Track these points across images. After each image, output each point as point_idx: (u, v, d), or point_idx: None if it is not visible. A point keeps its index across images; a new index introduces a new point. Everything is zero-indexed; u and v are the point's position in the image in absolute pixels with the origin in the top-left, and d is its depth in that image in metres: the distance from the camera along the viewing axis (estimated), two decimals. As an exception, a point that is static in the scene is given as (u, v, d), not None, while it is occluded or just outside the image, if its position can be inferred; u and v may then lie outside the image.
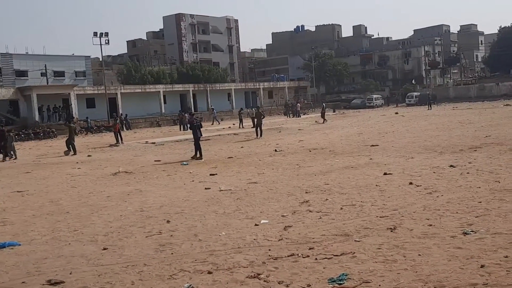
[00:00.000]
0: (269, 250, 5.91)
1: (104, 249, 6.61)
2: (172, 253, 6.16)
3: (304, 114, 57.29)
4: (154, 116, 53.86)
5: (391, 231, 6.22)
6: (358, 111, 59.32)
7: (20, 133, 37.98)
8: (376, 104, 66.37)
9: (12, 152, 22.62)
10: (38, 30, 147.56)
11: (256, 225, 7.30)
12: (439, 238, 5.84)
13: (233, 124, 41.61)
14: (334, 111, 60.82)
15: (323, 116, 40.44)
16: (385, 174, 10.96)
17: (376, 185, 9.68)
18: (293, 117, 52.33)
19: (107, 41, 48.05)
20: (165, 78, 62.95)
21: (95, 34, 47.26)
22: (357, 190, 9.35)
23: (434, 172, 10.74)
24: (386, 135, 22.49)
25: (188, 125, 18.87)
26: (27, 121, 42.51)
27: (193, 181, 12.50)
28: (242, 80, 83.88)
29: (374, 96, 68.65)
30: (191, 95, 59.83)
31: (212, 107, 54.20)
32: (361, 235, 6.17)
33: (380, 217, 7.04)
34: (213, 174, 13.40)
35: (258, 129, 26.72)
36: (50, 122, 43.48)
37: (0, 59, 57.94)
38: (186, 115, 40.17)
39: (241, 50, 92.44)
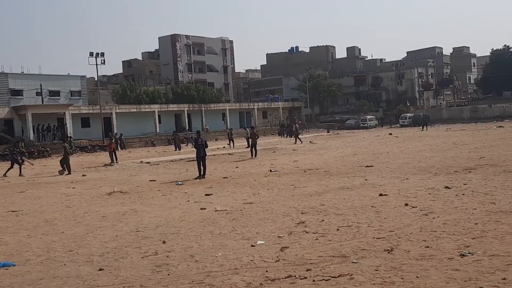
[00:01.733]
0: (266, 271, 5.89)
1: (100, 269, 6.56)
2: (168, 274, 6.13)
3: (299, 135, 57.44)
4: (149, 135, 53.89)
5: (388, 253, 6.23)
6: (352, 131, 59.59)
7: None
8: (370, 125, 66.78)
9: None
10: (33, 49, 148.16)
11: (252, 246, 7.28)
12: (436, 260, 5.85)
13: (227, 144, 41.63)
14: (328, 131, 61.06)
15: (296, 136, 40.28)
16: (380, 195, 10.99)
17: (372, 206, 9.70)
18: (287, 137, 52.35)
19: (103, 61, 48.37)
20: (160, 98, 63.19)
21: (91, 54, 47.60)
22: (353, 211, 9.36)
23: (429, 194, 10.78)
24: (380, 156, 22.57)
25: (194, 145, 18.89)
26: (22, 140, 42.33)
27: (188, 201, 12.47)
28: (237, 100, 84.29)
29: (368, 117, 69.12)
30: (186, 115, 60.04)
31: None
32: (358, 257, 6.17)
33: (377, 238, 7.04)
34: (208, 194, 13.39)
35: (253, 149, 26.77)
36: (45, 142, 43.37)
37: (-5, 78, 57.99)
38: (185, 133, 40.32)
39: (235, 71, 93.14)
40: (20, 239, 8.96)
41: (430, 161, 18.68)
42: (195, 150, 19.45)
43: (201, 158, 18.33)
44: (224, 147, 39.64)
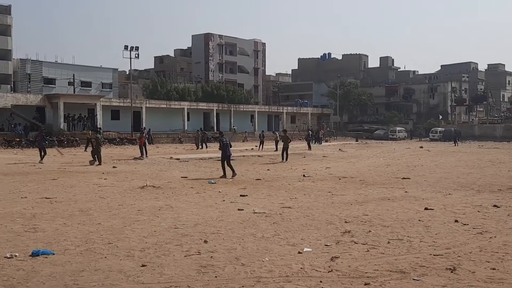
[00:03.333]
0: (321, 282, 5.54)
1: (143, 265, 6.31)
2: (216, 276, 5.84)
3: (326, 142, 56.93)
4: (177, 132, 54.00)
5: (451, 272, 5.81)
6: (381, 142, 58.74)
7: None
8: (399, 137, 65.86)
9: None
10: (68, 40, 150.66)
11: (299, 252, 6.94)
12: (507, 284, 5.42)
13: (255, 146, 41.37)
14: (356, 140, 60.39)
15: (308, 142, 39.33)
16: (426, 209, 10.52)
17: (419, 220, 9.26)
18: (314, 143, 51.73)
19: (136, 55, 48.71)
20: (190, 95, 63.36)
21: (125, 47, 47.97)
22: (399, 224, 8.94)
23: (478, 211, 10.27)
24: (415, 169, 21.98)
25: (219, 145, 18.93)
26: (52, 128, 42.88)
27: (224, 200, 12.20)
28: (265, 103, 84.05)
29: (398, 128, 68.17)
30: (215, 114, 60.00)
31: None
32: (418, 274, 5.78)
33: (434, 255, 6.63)
34: (243, 195, 13.09)
35: (284, 153, 26.43)
36: (75, 131, 43.79)
37: (30, 65, 59.01)
38: (201, 132, 40.18)
39: (266, 73, 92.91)
40: (56, 227, 8.80)
41: (469, 177, 18.05)
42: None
43: (226, 158, 18.15)
44: (252, 148, 39.39)
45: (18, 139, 36.90)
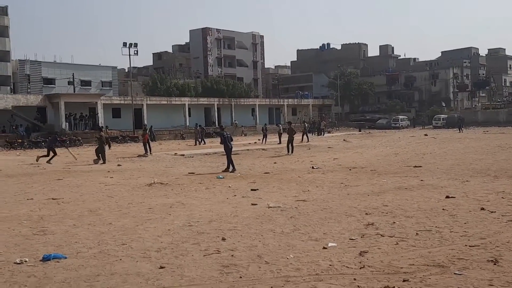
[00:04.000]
0: (355, 279, 5.18)
1: (161, 267, 5.95)
2: (240, 277, 5.48)
3: (328, 133, 56.53)
4: (178, 128, 53.57)
5: (494, 264, 5.45)
6: (384, 131, 58.25)
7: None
8: (401, 125, 65.37)
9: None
10: (66, 39, 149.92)
11: (324, 248, 6.59)
12: (557, 274, 5.06)
13: (258, 140, 40.94)
14: (360, 130, 59.97)
15: (305, 133, 37.89)
16: (447, 197, 10.16)
17: (443, 209, 8.90)
18: (318, 135, 51.36)
19: (135, 52, 48.21)
20: (190, 91, 62.89)
21: (124, 44, 47.50)
22: (423, 214, 8.58)
23: (502, 198, 9.91)
24: (425, 156, 21.61)
25: (221, 139, 18.77)
26: (54, 128, 42.46)
27: (235, 195, 11.85)
28: (265, 96, 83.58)
29: (400, 117, 67.66)
30: (216, 109, 59.56)
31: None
32: (458, 267, 5.42)
33: (470, 246, 6.27)
34: (254, 190, 12.74)
35: (290, 145, 26.04)
36: (76, 130, 43.40)
37: (29, 66, 58.59)
38: (199, 128, 39.67)
39: (265, 66, 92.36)
40: (66, 229, 8.44)
41: (482, 163, 17.68)
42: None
43: (229, 150, 17.98)
44: (255, 142, 38.99)
45: (20, 140, 36.52)
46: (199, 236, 7.57)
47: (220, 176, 15.98)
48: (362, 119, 72.39)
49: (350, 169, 17.17)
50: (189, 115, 55.98)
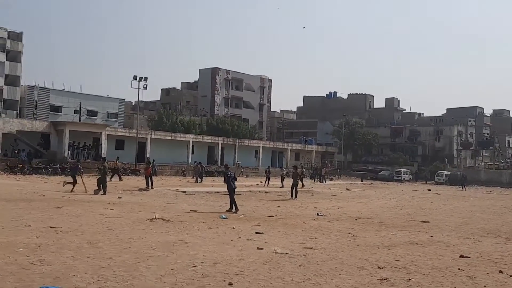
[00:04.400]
0: None
1: (165, 311, 5.56)
2: (251, 328, 5.08)
3: (330, 180, 56.17)
4: (180, 164, 53.30)
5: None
6: (387, 183, 57.83)
7: (48, 166, 37.63)
8: (404, 178, 65.02)
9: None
10: (76, 68, 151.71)
11: (338, 302, 6.19)
12: None
13: (261, 182, 40.49)
14: (362, 180, 59.58)
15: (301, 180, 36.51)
16: (461, 256, 9.77)
17: (459, 269, 8.51)
18: (319, 182, 50.82)
19: (145, 86, 48.57)
20: (195, 129, 63.00)
21: (134, 77, 47.88)
22: (439, 272, 8.19)
23: (519, 261, 9.52)
24: (431, 212, 21.22)
25: (224, 178, 18.61)
26: (56, 155, 42.27)
27: (239, 238, 11.46)
28: (269, 139, 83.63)
29: (403, 170, 67.40)
30: (220, 148, 59.47)
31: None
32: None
33: (496, 312, 5.89)
34: (259, 233, 12.35)
35: (294, 189, 25.69)
36: (79, 159, 43.07)
37: (38, 92, 58.92)
38: (199, 165, 39.18)
39: (271, 110, 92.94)
40: (64, 260, 8.05)
41: (491, 223, 17.29)
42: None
43: (233, 190, 17.69)
44: (257, 184, 38.57)
45: (21, 165, 36.22)
46: (204, 279, 7.18)
47: (224, 216, 15.60)
48: (365, 169, 72.08)
49: (356, 219, 16.79)
50: (193, 152, 55.82)
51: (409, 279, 7.55)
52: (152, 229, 12.30)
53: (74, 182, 23.06)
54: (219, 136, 61.28)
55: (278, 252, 9.60)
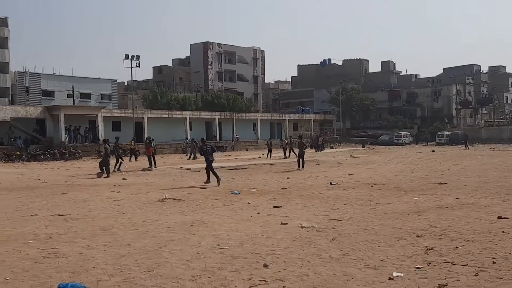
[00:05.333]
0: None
1: (204, 302, 4.96)
2: (305, 317, 4.49)
3: (331, 148, 55.70)
4: (179, 142, 52.58)
5: None
6: (388, 147, 57.36)
7: (46, 152, 36.88)
8: (404, 142, 64.64)
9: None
10: (65, 51, 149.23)
11: (390, 279, 5.61)
12: None
13: (262, 154, 39.86)
14: (363, 146, 59.14)
15: (291, 149, 35.72)
16: (499, 218, 9.21)
17: (503, 232, 7.95)
18: (316, 151, 49.79)
19: (137, 64, 47.52)
20: (191, 105, 62.11)
21: (126, 56, 46.75)
22: (484, 237, 7.62)
23: (561, 219, 8.97)
24: (444, 173, 20.70)
25: (200, 152, 18.68)
26: (53, 141, 41.46)
27: (258, 213, 10.86)
28: (266, 111, 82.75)
29: (403, 133, 66.97)
30: (217, 123, 58.69)
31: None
32: None
33: None
34: (277, 207, 11.76)
35: (300, 160, 25.10)
36: (76, 143, 42.34)
37: (28, 78, 57.68)
38: (198, 142, 38.37)
39: (265, 81, 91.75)
40: (79, 251, 7.43)
41: (510, 180, 16.77)
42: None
43: (210, 162, 18.12)
44: (259, 157, 37.98)
45: (18, 153, 35.44)
46: (236, 262, 6.57)
47: (235, 192, 15.00)
48: (364, 135, 71.64)
49: (371, 186, 16.22)
50: (190, 129, 55.06)
51: (456, 247, 6.97)
52: (165, 210, 11.69)
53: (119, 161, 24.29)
54: (215, 111, 60.43)
55: (304, 226, 9.01)
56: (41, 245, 7.88)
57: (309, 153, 36.24)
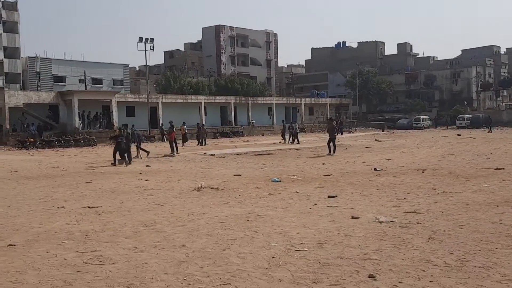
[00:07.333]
0: None
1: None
2: None
3: (349, 133, 54.16)
4: (194, 127, 51.24)
5: None
6: (408, 131, 55.68)
7: (60, 139, 35.74)
8: (423, 125, 62.92)
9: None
10: (76, 36, 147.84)
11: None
12: None
13: (282, 140, 38.20)
14: (383, 130, 57.53)
15: (283, 136, 36.38)
16: None
17: None
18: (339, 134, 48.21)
19: (151, 47, 46.01)
20: (204, 89, 60.74)
21: (140, 39, 45.35)
22: None
23: None
24: (490, 157, 19.25)
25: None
26: (67, 127, 40.31)
27: (315, 204, 9.53)
28: (279, 95, 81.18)
29: (422, 116, 65.26)
30: (233, 107, 57.26)
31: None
32: None
33: None
34: (332, 196, 10.42)
35: (331, 143, 23.69)
36: (90, 129, 41.15)
37: (39, 63, 56.50)
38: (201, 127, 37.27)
39: (279, 65, 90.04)
40: (127, 254, 6.13)
41: None
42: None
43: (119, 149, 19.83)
44: (280, 142, 36.47)
45: (32, 140, 34.31)
46: (329, 271, 5.23)
47: (276, 179, 13.66)
48: (382, 119, 69.92)
49: (422, 171, 14.82)
50: (205, 114, 53.68)
51: None
52: (206, 200, 10.39)
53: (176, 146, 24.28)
54: (230, 95, 58.97)
55: (382, 221, 7.65)
56: (78, 246, 6.59)
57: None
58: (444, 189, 11.06)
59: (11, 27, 54.95)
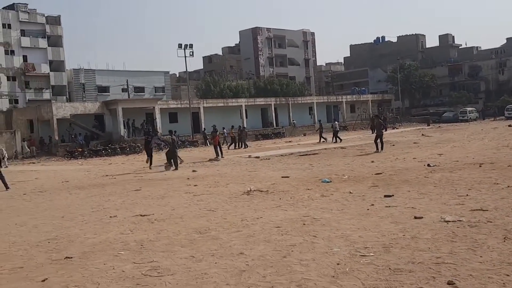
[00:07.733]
0: None
1: None
2: None
3: (393, 129, 52.87)
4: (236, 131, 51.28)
5: None
6: (455, 125, 53.95)
7: (107, 147, 36.41)
8: (470, 118, 60.84)
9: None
10: (115, 46, 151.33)
11: None
12: None
13: (324, 140, 37.52)
14: (428, 125, 55.98)
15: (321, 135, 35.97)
16: None
17: None
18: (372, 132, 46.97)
19: (191, 53, 46.31)
20: (244, 92, 60.82)
21: (179, 46, 45.68)
22: None
23: None
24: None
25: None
26: (112, 135, 41.04)
27: (372, 205, 9.13)
28: (319, 94, 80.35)
29: (468, 109, 63.09)
30: (273, 109, 57.01)
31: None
32: None
33: None
34: (388, 196, 9.99)
35: (378, 141, 23.06)
36: (135, 137, 41.75)
37: (84, 75, 57.95)
38: (239, 130, 36.86)
39: (317, 64, 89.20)
40: (185, 264, 5.94)
41: None
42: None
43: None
44: (323, 141, 35.88)
45: (80, 149, 35.07)
46: (402, 278, 4.87)
47: (326, 180, 13.30)
48: (426, 113, 68.04)
49: (479, 166, 14.13)
50: (246, 117, 53.64)
51: None
52: (257, 204, 10.15)
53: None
54: (270, 97, 58.75)
55: (448, 221, 7.20)
56: (135, 257, 6.46)
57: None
58: (508, 183, 10.45)
59: (55, 41, 56.62)
